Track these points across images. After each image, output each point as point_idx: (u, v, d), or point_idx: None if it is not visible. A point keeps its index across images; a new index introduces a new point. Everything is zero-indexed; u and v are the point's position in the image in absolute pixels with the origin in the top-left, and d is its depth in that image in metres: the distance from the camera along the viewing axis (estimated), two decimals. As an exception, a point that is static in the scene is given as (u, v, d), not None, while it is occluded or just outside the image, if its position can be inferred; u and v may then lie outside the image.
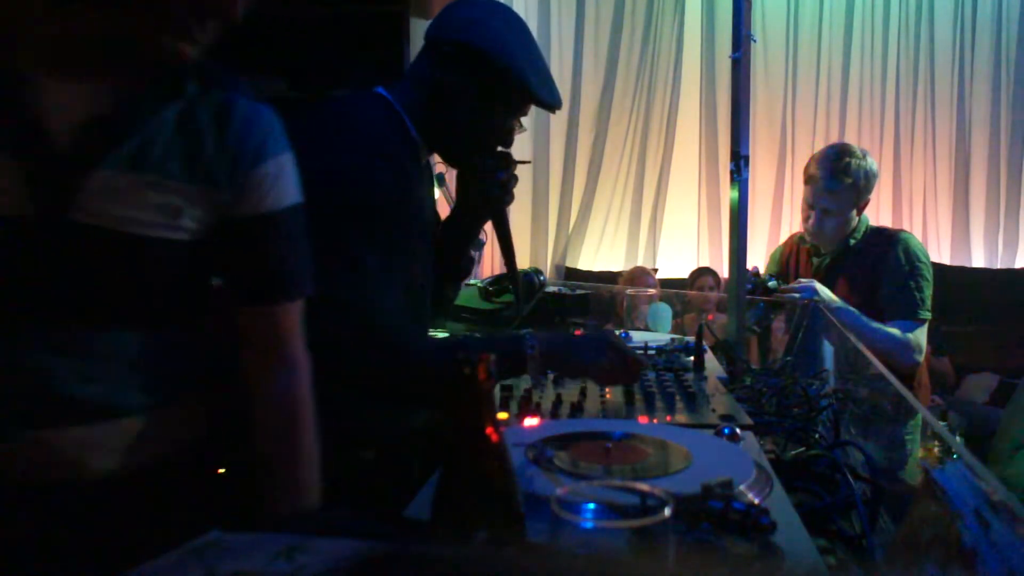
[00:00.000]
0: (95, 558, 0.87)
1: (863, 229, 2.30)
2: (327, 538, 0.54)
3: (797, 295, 2.12)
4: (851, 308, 2.13)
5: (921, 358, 2.16)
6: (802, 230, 2.35)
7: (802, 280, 2.19)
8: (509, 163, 1.43)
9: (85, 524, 0.91)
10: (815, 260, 2.34)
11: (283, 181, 0.98)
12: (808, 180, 2.26)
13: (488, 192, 1.42)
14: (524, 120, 1.45)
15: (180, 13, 0.81)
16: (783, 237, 2.89)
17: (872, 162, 2.24)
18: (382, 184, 1.24)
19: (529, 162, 4.15)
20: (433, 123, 1.36)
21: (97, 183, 0.84)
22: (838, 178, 2.19)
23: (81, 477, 0.90)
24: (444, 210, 1.68)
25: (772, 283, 2.20)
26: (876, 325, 2.13)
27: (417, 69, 1.37)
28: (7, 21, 0.82)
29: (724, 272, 3.75)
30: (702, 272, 3.83)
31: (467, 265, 1.58)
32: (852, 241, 2.28)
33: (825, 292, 2.14)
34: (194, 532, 0.75)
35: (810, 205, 2.26)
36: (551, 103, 1.38)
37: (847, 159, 2.20)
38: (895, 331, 2.12)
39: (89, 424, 0.90)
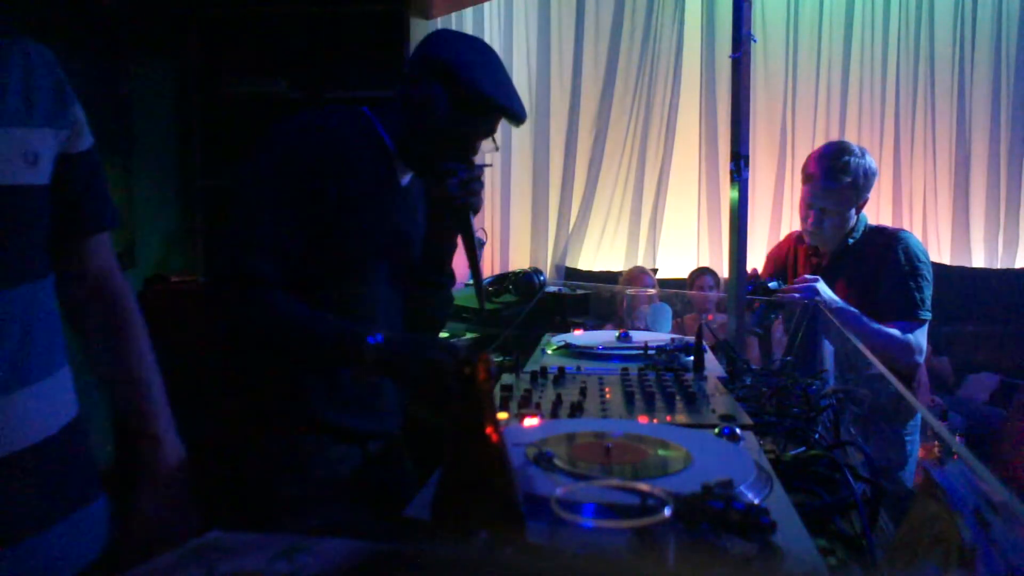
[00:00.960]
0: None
1: (862, 228, 2.29)
2: (327, 538, 0.54)
3: (798, 295, 2.11)
4: (851, 308, 2.12)
5: (922, 359, 2.15)
6: (801, 230, 2.35)
7: (807, 277, 2.17)
8: (469, 164, 1.49)
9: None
10: (814, 260, 2.34)
11: (81, 116, 1.03)
12: (807, 179, 2.25)
13: (450, 194, 1.47)
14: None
15: None
16: (783, 237, 2.89)
17: (871, 160, 2.22)
18: (305, 147, 1.34)
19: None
20: (408, 136, 1.45)
21: None
22: (836, 177, 2.17)
23: None
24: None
25: (773, 284, 2.20)
26: (876, 326, 2.12)
27: (397, 93, 1.47)
28: None
29: (724, 272, 3.76)
30: (701, 272, 3.83)
31: (446, 277, 1.63)
32: (851, 241, 2.27)
33: (826, 291, 2.13)
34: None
35: (809, 205, 2.25)
36: (514, 113, 1.45)
37: (845, 157, 2.18)
38: (895, 332, 2.11)
39: (29, 385, 0.92)
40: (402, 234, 1.53)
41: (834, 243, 2.27)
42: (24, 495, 0.92)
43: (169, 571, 0.55)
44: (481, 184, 1.51)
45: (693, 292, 3.29)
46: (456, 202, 1.49)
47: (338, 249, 1.38)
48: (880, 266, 2.20)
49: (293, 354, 1.36)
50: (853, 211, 2.24)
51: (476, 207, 1.52)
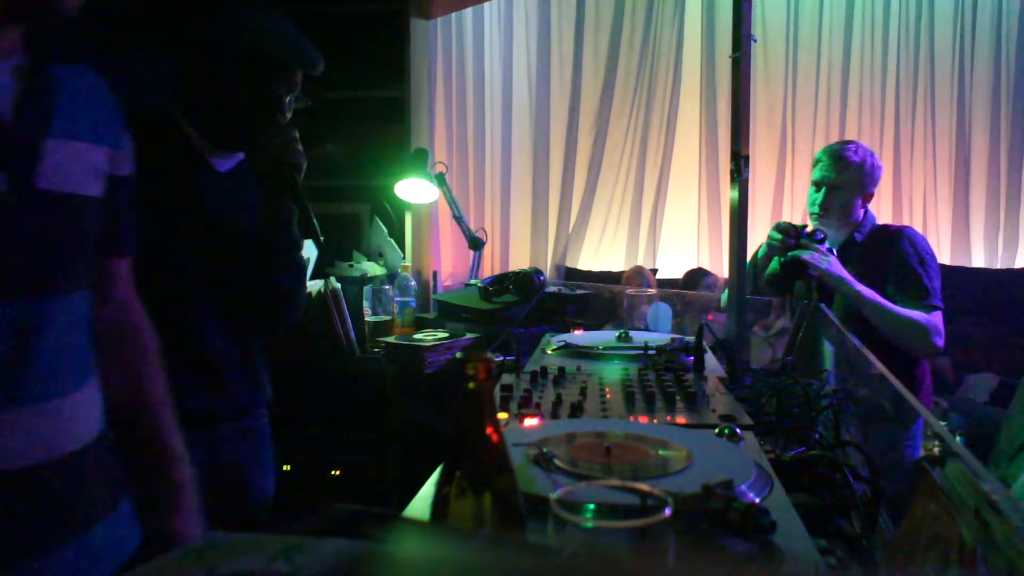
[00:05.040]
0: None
1: (869, 226, 2.31)
2: (327, 539, 0.54)
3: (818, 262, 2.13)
4: (870, 291, 2.14)
5: (942, 342, 2.16)
6: (806, 220, 2.36)
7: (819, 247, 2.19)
8: (279, 129, 1.50)
9: (53, 496, 0.94)
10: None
11: (129, 143, 1.10)
12: (815, 164, 2.32)
13: (271, 161, 1.49)
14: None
15: None
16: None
17: (877, 159, 2.30)
18: None
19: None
20: (210, 118, 1.45)
21: (49, 151, 0.90)
22: (846, 156, 2.27)
23: (54, 451, 0.93)
24: (444, 209, 1.67)
25: (820, 235, 2.22)
26: (896, 308, 2.13)
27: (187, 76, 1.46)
28: None
29: (724, 272, 3.75)
30: (697, 273, 3.83)
31: (290, 243, 1.62)
32: (858, 236, 2.29)
33: (842, 270, 2.15)
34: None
35: (817, 185, 2.28)
36: (304, 63, 1.44)
37: (855, 145, 2.31)
38: (915, 314, 2.13)
39: (66, 395, 0.94)
40: (223, 223, 1.53)
41: (840, 227, 2.29)
42: (62, 501, 0.94)
43: (168, 571, 0.55)
44: (296, 140, 1.52)
45: (692, 292, 3.28)
46: (280, 169, 1.50)
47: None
48: (887, 258, 2.22)
49: None
50: (859, 201, 2.27)
51: (301, 166, 1.54)
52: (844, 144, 2.32)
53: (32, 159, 0.89)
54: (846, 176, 2.25)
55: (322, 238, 1.58)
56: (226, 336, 1.56)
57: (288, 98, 1.50)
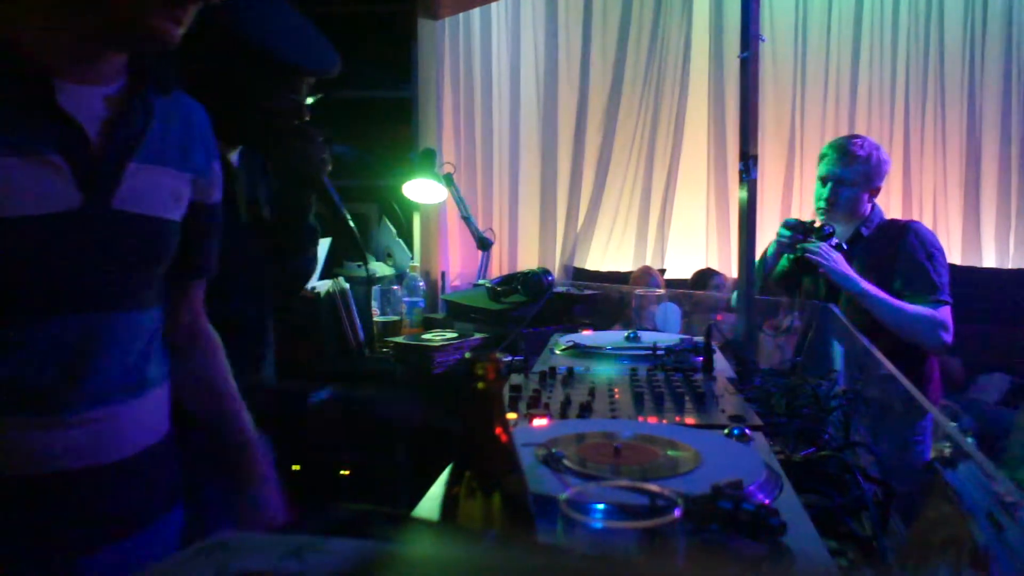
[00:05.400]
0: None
1: (876, 221, 2.30)
2: (337, 538, 0.54)
3: (823, 260, 2.13)
4: (875, 288, 2.13)
5: (950, 339, 2.14)
6: (813, 215, 2.36)
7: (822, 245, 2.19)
8: (307, 130, 1.50)
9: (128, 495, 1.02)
10: None
11: (217, 172, 1.16)
12: (821, 158, 2.32)
13: (304, 164, 1.49)
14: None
15: None
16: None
17: (884, 153, 2.30)
18: None
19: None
20: (219, 116, 1.40)
21: (130, 174, 0.96)
22: (852, 150, 2.27)
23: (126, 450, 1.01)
24: (452, 209, 1.68)
25: (829, 229, 2.22)
26: (902, 304, 2.13)
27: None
28: (39, 42, 0.90)
29: (733, 272, 3.74)
30: (705, 273, 3.82)
31: (307, 234, 1.64)
32: (865, 230, 2.28)
33: (847, 268, 2.14)
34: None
35: (824, 180, 2.28)
36: (322, 70, 1.42)
37: (860, 139, 2.31)
38: (922, 310, 2.12)
39: (129, 401, 1.01)
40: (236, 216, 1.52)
41: (847, 220, 2.28)
42: (119, 501, 1.01)
43: (179, 569, 0.55)
44: (318, 140, 1.54)
45: (701, 292, 3.27)
46: (308, 170, 1.50)
47: None
48: (894, 253, 2.21)
49: None
50: (866, 196, 2.27)
51: (326, 165, 1.55)
52: (850, 138, 2.32)
53: (113, 182, 0.94)
54: (852, 170, 2.25)
55: (357, 234, 1.59)
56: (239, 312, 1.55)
57: (306, 99, 1.49)
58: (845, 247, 2.22)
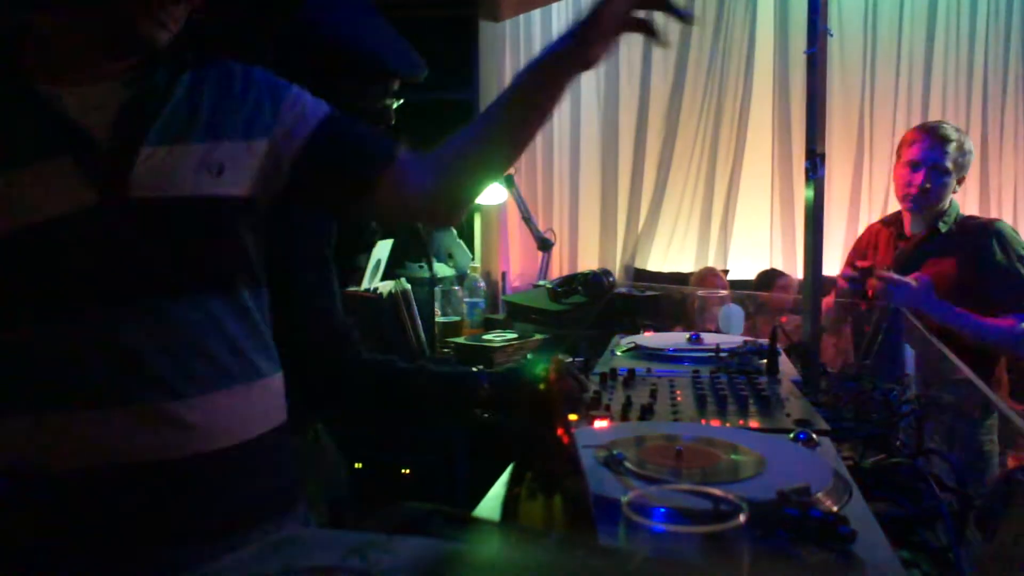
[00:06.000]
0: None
1: (954, 216, 2.22)
2: (401, 536, 0.55)
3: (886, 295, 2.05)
4: (955, 308, 2.06)
5: None
6: (899, 197, 2.27)
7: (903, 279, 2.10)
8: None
9: (219, 490, 0.98)
10: (900, 243, 2.26)
11: (302, 104, 1.10)
12: (910, 144, 2.22)
13: None
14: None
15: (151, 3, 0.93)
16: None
17: (970, 142, 2.24)
18: None
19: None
20: None
21: (144, 159, 0.94)
22: (945, 134, 2.19)
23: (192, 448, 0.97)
24: (513, 210, 1.66)
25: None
26: (987, 321, 2.06)
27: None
28: (43, 49, 0.94)
29: (798, 273, 3.65)
30: (770, 274, 3.74)
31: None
32: (943, 226, 2.20)
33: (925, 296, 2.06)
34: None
35: (914, 165, 2.19)
36: (395, 69, 1.37)
37: (948, 125, 2.24)
38: (1010, 322, 2.04)
39: (229, 387, 0.99)
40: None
41: (933, 212, 2.20)
42: (222, 493, 0.98)
43: (248, 564, 0.57)
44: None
45: (766, 294, 3.21)
46: None
47: None
48: (977, 257, 2.12)
49: None
50: (954, 183, 2.20)
51: None
52: (939, 123, 2.24)
53: (126, 171, 0.93)
54: (947, 156, 2.16)
55: (422, 234, 1.58)
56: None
57: (393, 103, 1.46)
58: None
